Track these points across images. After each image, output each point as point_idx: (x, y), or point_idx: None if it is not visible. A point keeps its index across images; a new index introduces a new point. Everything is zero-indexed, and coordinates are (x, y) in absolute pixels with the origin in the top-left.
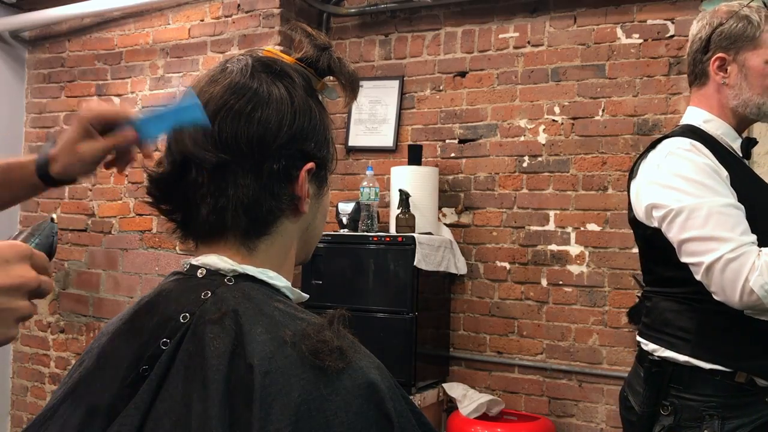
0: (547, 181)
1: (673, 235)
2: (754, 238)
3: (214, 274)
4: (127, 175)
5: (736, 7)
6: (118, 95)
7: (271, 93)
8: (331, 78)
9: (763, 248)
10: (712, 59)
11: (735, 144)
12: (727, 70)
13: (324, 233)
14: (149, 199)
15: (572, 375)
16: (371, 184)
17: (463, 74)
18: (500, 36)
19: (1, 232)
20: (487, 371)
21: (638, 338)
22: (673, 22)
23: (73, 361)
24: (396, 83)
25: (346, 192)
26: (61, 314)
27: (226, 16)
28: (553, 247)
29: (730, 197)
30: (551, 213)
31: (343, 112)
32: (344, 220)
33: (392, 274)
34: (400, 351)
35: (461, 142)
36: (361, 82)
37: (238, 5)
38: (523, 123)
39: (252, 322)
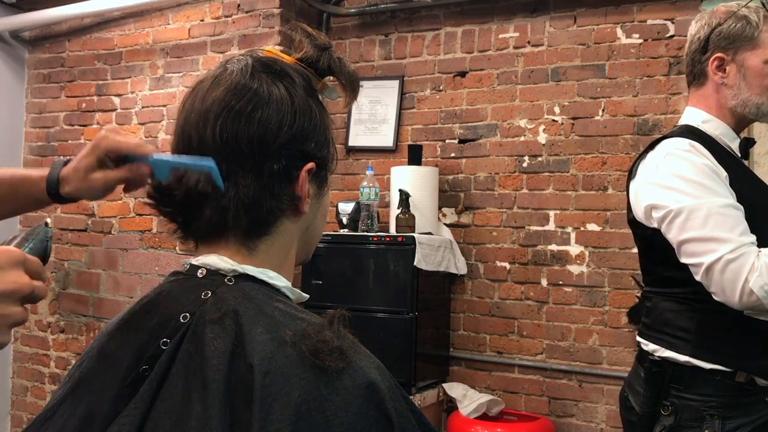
0: (547, 181)
1: (673, 235)
2: (753, 238)
3: (214, 274)
4: None
5: (734, 8)
6: (118, 95)
7: (272, 93)
8: (332, 78)
9: (762, 249)
10: (711, 59)
11: (733, 144)
12: (725, 70)
13: (324, 233)
14: (150, 202)
15: (572, 375)
16: (371, 184)
17: (463, 74)
18: (500, 36)
19: (0, 233)
20: (487, 371)
21: (638, 338)
22: (673, 22)
23: (73, 361)
24: (396, 83)
25: (346, 192)
26: (61, 314)
27: (226, 16)
28: (553, 247)
29: (729, 198)
30: (551, 213)
31: (343, 112)
32: (344, 220)
33: (392, 274)
34: (400, 351)
35: (461, 142)
36: (361, 82)
37: (238, 5)
38: (523, 123)
39: (252, 322)
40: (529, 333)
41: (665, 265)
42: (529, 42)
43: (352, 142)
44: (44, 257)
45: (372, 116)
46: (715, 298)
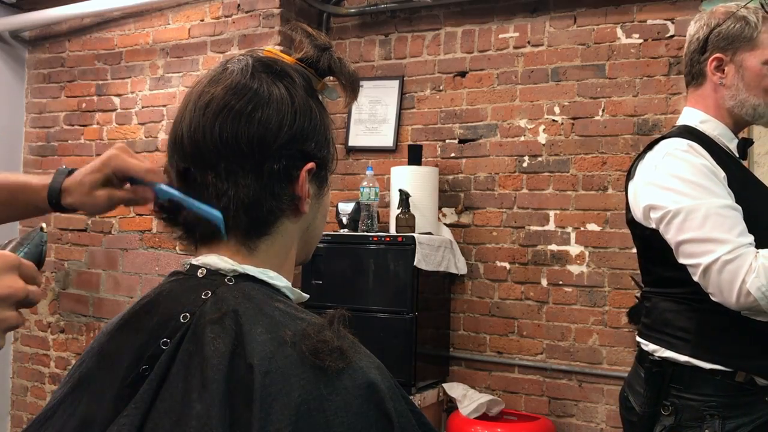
0: (547, 181)
1: (671, 236)
2: (751, 239)
3: (214, 274)
4: None
5: (733, 8)
6: (118, 95)
7: (272, 93)
8: (332, 78)
9: (760, 250)
10: (710, 59)
11: (731, 144)
12: (724, 70)
13: (324, 233)
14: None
15: (572, 375)
16: (371, 184)
17: (463, 74)
18: (500, 36)
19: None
20: (487, 371)
21: (638, 339)
22: (673, 22)
23: (73, 361)
24: (396, 83)
25: (346, 192)
26: (61, 314)
27: (226, 16)
28: (553, 247)
29: (727, 198)
30: (551, 213)
31: (343, 112)
32: (344, 220)
33: (392, 274)
34: (400, 351)
35: (461, 142)
36: (361, 82)
37: (238, 5)
38: (523, 123)
39: (252, 322)
40: (529, 333)
41: (664, 265)
42: (529, 42)
43: (352, 142)
44: (39, 262)
45: (372, 116)
46: (712, 298)
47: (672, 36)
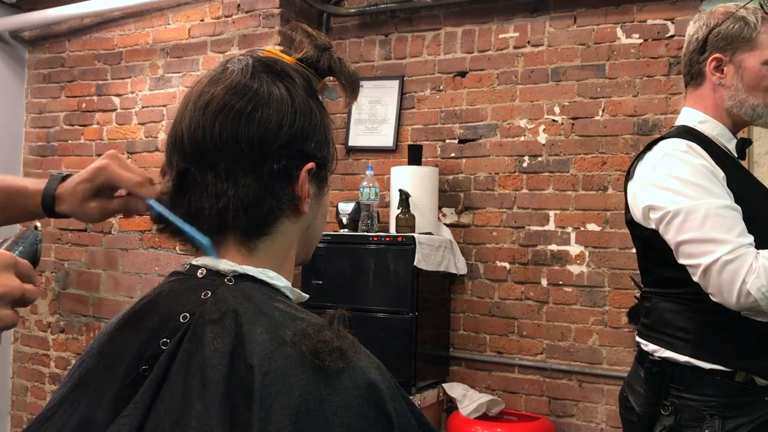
0: (547, 181)
1: (671, 237)
2: (751, 239)
3: (214, 274)
4: None
5: (733, 8)
6: (118, 95)
7: (272, 93)
8: (332, 78)
9: (760, 250)
10: (709, 60)
11: (730, 144)
12: (723, 70)
13: (324, 233)
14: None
15: (572, 375)
16: (371, 184)
17: (463, 74)
18: (500, 36)
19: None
20: (487, 371)
21: (638, 339)
22: (673, 22)
23: (73, 361)
24: (396, 83)
25: (346, 192)
26: (61, 314)
27: (226, 16)
28: (553, 247)
29: (726, 198)
30: (551, 213)
31: (343, 112)
32: (344, 220)
33: (392, 274)
34: (400, 351)
35: (461, 142)
36: (361, 82)
37: (238, 5)
38: (523, 123)
39: (252, 322)
40: (529, 333)
41: (664, 265)
42: (529, 42)
43: (352, 142)
44: (34, 260)
45: (372, 116)
46: (712, 299)
47: (672, 36)
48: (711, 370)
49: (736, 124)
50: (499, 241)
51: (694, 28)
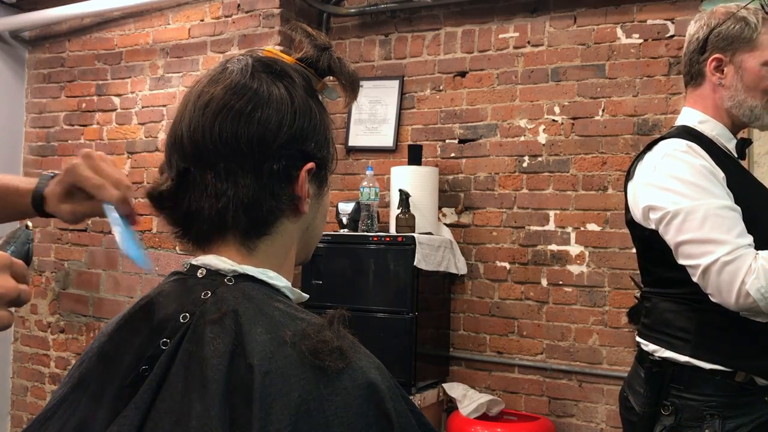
0: (547, 181)
1: (670, 237)
2: (750, 239)
3: (214, 274)
4: (126, 176)
5: (733, 9)
6: (118, 95)
7: (272, 93)
8: (332, 78)
9: (760, 251)
10: (709, 60)
11: (730, 145)
12: (723, 71)
13: (324, 233)
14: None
15: (572, 375)
16: (371, 184)
17: (463, 74)
18: (500, 36)
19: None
20: (487, 371)
21: (638, 339)
22: (673, 22)
23: (73, 361)
24: (396, 83)
25: (346, 192)
26: (61, 314)
27: (226, 16)
28: (553, 247)
29: (726, 199)
30: (551, 213)
31: (343, 112)
32: (344, 220)
33: (392, 274)
34: (400, 351)
35: (461, 142)
36: (361, 82)
37: (238, 5)
38: (523, 123)
39: (252, 322)
40: (529, 333)
41: (664, 265)
42: (529, 42)
43: (352, 142)
44: (27, 260)
45: (372, 116)
46: (711, 299)
47: (672, 36)
48: (711, 370)
49: (735, 125)
50: (499, 241)
51: (694, 28)
